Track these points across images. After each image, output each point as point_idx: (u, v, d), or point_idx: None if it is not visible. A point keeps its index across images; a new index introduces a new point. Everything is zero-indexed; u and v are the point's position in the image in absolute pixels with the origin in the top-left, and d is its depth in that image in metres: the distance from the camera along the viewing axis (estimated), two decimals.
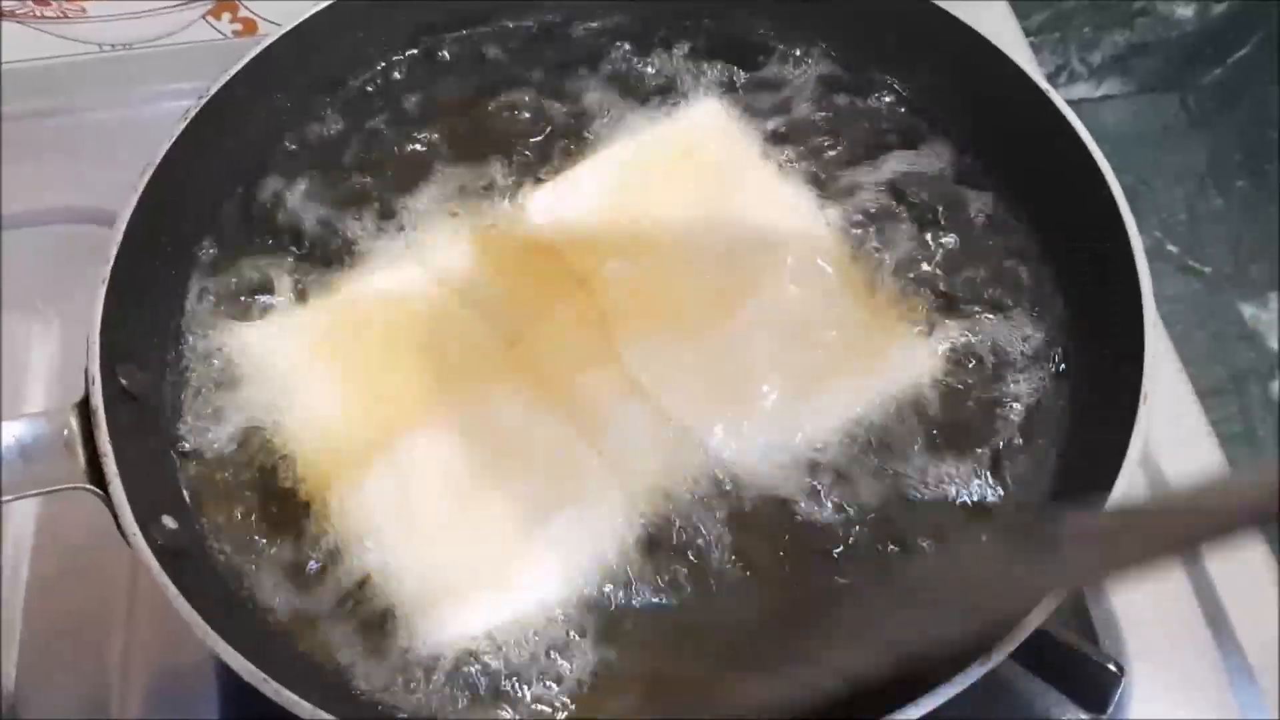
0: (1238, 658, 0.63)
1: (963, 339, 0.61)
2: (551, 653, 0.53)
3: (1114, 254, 0.57)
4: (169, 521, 0.54)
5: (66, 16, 0.85)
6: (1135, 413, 0.52)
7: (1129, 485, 0.50)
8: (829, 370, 0.59)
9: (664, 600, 0.54)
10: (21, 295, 0.76)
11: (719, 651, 0.50)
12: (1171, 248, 1.12)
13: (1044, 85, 0.62)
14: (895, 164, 0.67)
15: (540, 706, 0.52)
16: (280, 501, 0.57)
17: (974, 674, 0.46)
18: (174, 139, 0.61)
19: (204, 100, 0.63)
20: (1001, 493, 0.57)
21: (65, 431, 0.53)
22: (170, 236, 0.62)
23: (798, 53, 0.71)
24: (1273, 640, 0.63)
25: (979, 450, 0.58)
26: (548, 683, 0.52)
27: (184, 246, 0.64)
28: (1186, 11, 1.12)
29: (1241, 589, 0.65)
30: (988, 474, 0.57)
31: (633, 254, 0.63)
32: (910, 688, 0.46)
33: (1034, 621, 0.47)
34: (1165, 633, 0.64)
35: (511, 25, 0.74)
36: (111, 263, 0.56)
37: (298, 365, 0.60)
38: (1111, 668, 0.56)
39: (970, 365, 0.60)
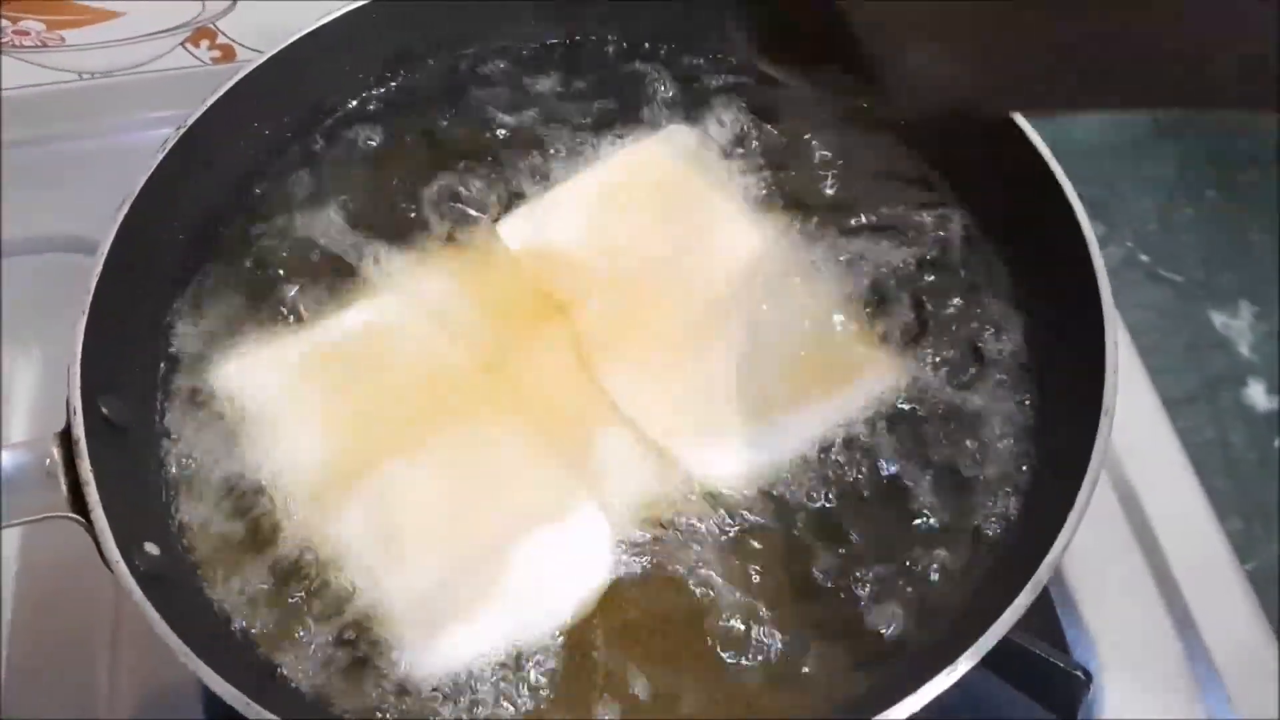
0: (1205, 663, 0.64)
1: (929, 355, 0.62)
2: (538, 677, 0.53)
3: (1076, 267, 0.58)
4: (151, 548, 0.54)
5: (45, 45, 0.86)
6: (1097, 425, 0.54)
7: (1094, 497, 0.51)
8: (803, 389, 0.60)
9: (649, 622, 0.55)
10: (2, 324, 0.76)
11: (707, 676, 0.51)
12: (1143, 257, 1.13)
13: None
14: (864, 187, 0.68)
15: None
16: (262, 528, 0.58)
17: (941, 683, 0.47)
18: (152, 169, 0.62)
19: (182, 130, 0.63)
20: (967, 503, 0.58)
21: (47, 461, 0.53)
22: (150, 267, 0.63)
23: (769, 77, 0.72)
24: (1239, 645, 0.64)
25: (947, 462, 0.59)
26: (533, 707, 0.53)
27: (164, 277, 0.65)
28: None
29: (1209, 596, 0.66)
30: (956, 485, 0.58)
31: (608, 279, 0.64)
32: (879, 698, 0.47)
33: (1000, 630, 0.48)
34: (1134, 640, 0.65)
35: (488, 50, 0.75)
36: (91, 294, 0.57)
37: (279, 394, 0.61)
38: (1079, 674, 0.57)
39: (937, 381, 0.61)
